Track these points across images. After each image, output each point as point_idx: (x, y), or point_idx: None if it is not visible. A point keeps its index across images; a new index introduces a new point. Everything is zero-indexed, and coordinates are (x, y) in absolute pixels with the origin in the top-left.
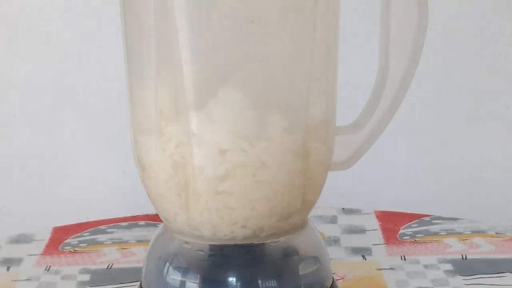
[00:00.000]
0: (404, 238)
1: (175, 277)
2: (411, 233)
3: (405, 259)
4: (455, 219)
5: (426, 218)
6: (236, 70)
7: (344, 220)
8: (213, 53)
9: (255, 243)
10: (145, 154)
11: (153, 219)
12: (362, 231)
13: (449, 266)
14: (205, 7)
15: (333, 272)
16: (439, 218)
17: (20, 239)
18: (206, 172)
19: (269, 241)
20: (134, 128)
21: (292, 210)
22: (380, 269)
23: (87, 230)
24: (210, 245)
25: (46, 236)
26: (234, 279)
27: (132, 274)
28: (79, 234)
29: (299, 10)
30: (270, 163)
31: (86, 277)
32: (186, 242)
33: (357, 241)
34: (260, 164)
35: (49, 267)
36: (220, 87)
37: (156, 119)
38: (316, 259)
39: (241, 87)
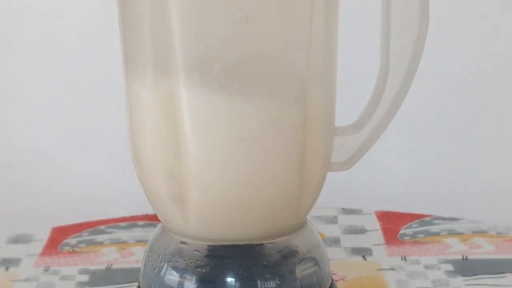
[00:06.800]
0: (405, 238)
1: (172, 277)
2: (411, 233)
3: (405, 260)
4: (455, 219)
5: (427, 218)
6: (231, 67)
7: (344, 220)
8: (209, 51)
9: (252, 243)
10: (141, 152)
11: (153, 219)
12: (362, 231)
13: (449, 267)
14: None
15: (333, 272)
16: (440, 218)
17: (19, 239)
18: (200, 173)
19: (265, 242)
20: (132, 130)
21: (289, 211)
22: (381, 270)
23: (86, 230)
24: (207, 246)
25: (45, 236)
26: (231, 279)
27: (131, 274)
28: (78, 234)
29: (295, 6)
30: (266, 164)
31: (85, 278)
32: (183, 242)
33: (358, 241)
34: (255, 165)
35: (48, 267)
36: (215, 88)
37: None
38: (314, 260)
39: (236, 86)
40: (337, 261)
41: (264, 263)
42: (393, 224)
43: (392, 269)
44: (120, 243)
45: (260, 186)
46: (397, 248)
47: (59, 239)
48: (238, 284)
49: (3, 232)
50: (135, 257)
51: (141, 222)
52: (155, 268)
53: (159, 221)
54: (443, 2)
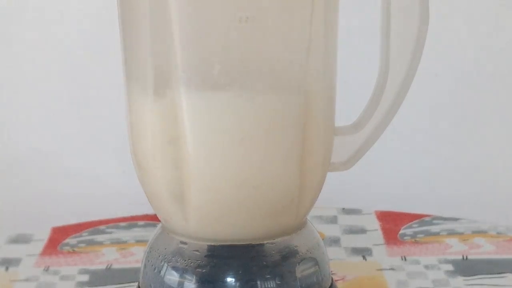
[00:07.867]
0: (405, 238)
1: (172, 277)
2: (411, 233)
3: (405, 260)
4: (455, 219)
5: (427, 218)
6: (231, 67)
7: (344, 220)
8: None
9: (252, 243)
10: (141, 151)
11: (152, 219)
12: (362, 231)
13: (449, 267)
14: None
15: (333, 272)
16: (440, 218)
17: (19, 239)
18: (200, 173)
19: (265, 242)
20: (132, 130)
21: (289, 211)
22: (381, 270)
23: (86, 230)
24: (207, 246)
25: (45, 236)
26: (231, 279)
27: (131, 274)
28: (78, 234)
29: (295, 6)
30: (266, 164)
31: (85, 278)
32: (183, 242)
33: (358, 241)
34: (255, 165)
35: (48, 267)
36: (215, 88)
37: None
38: (314, 260)
39: (236, 86)
40: (337, 261)
41: (264, 263)
42: (393, 224)
43: (392, 269)
44: (120, 243)
45: (260, 186)
46: (397, 248)
47: (59, 239)
48: (238, 284)
49: (3, 232)
50: (135, 257)
51: (141, 222)
52: (155, 268)
53: (159, 221)
54: (443, 2)
